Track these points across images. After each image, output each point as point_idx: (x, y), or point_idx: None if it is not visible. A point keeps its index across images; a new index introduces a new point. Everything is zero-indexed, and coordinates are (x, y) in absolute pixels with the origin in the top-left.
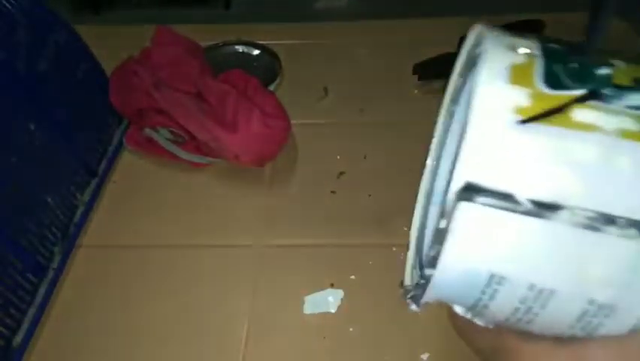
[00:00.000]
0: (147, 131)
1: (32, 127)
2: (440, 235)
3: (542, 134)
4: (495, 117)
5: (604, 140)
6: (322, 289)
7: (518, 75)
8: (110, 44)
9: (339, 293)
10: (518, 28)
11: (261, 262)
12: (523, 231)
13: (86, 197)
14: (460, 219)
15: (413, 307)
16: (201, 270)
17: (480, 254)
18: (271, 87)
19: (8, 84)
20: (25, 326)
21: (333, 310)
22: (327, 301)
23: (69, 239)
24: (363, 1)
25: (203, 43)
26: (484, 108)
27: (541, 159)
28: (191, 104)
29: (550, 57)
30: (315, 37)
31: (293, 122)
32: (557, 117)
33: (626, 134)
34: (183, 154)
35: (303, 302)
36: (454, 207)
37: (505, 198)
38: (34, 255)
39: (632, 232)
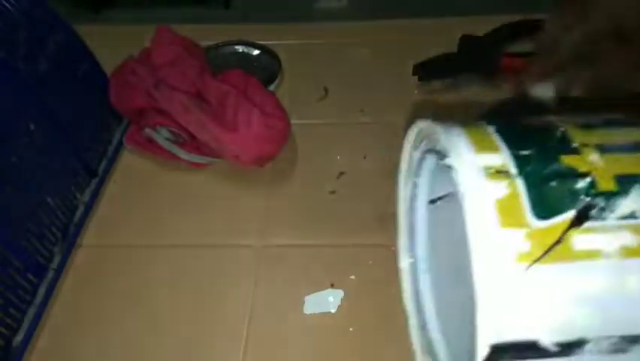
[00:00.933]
0: (147, 131)
1: (32, 127)
2: None
3: (549, 274)
4: (501, 273)
5: (609, 266)
6: (322, 289)
7: (508, 214)
8: (110, 44)
9: (340, 293)
10: (517, 28)
11: (260, 262)
12: None
13: (86, 197)
14: None
15: None
16: (201, 270)
17: None
18: (271, 87)
19: (8, 84)
20: (25, 325)
21: (333, 310)
22: (327, 301)
23: (69, 239)
24: (363, 1)
25: (203, 43)
26: (488, 265)
27: (554, 300)
28: (191, 104)
29: (529, 177)
30: (315, 37)
31: (293, 122)
32: (559, 250)
33: (628, 253)
34: (183, 154)
35: (303, 302)
36: None
37: (531, 348)
38: (34, 255)
39: None
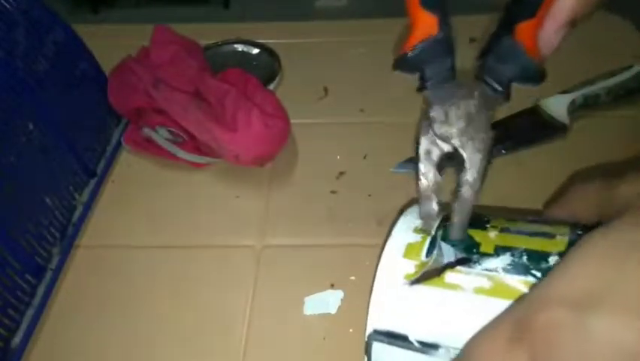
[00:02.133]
0: (146, 130)
1: (30, 127)
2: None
3: (423, 292)
4: (391, 283)
5: (462, 296)
6: (322, 289)
7: (410, 251)
8: (109, 43)
9: (340, 294)
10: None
11: (260, 262)
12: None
13: (85, 197)
14: (373, 353)
15: None
16: (201, 270)
17: None
18: (271, 86)
19: (6, 84)
20: (23, 326)
21: (333, 311)
22: (327, 302)
23: (67, 239)
24: (363, 0)
25: (202, 43)
26: (384, 276)
27: (424, 311)
28: (190, 103)
29: (440, 236)
30: (315, 37)
31: (293, 121)
32: (435, 279)
33: (479, 291)
34: (182, 154)
35: (303, 303)
36: (369, 345)
37: (401, 339)
38: (32, 255)
39: None
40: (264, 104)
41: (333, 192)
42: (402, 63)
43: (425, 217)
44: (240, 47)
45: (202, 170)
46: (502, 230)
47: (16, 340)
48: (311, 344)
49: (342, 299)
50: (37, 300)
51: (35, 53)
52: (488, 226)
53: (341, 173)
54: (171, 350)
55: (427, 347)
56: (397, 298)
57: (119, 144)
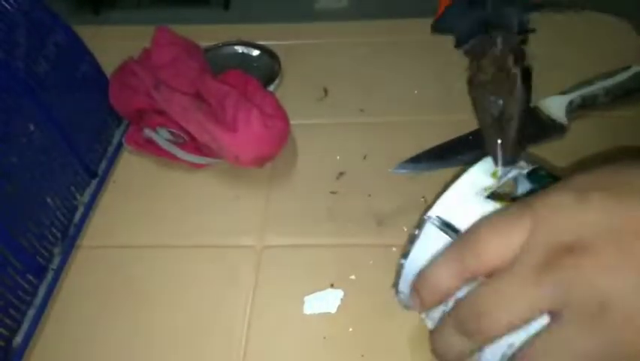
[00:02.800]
0: (147, 131)
1: (32, 127)
2: (412, 238)
3: (493, 208)
4: (471, 186)
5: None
6: (322, 289)
7: (494, 175)
8: (110, 45)
9: (339, 293)
10: None
11: (260, 262)
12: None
13: (86, 197)
14: (425, 230)
15: (400, 299)
16: (201, 270)
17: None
18: (271, 87)
19: (7, 85)
20: (24, 326)
21: (333, 311)
22: (327, 301)
23: (69, 240)
24: (363, 1)
25: (203, 44)
26: (469, 179)
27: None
28: (191, 104)
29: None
30: (315, 38)
31: (292, 122)
32: (506, 202)
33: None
34: (183, 155)
35: (302, 302)
36: (424, 222)
37: (455, 232)
38: (33, 255)
39: None
40: (264, 105)
41: (333, 192)
42: (436, 27)
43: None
44: (240, 49)
45: (202, 170)
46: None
47: (18, 339)
48: (311, 343)
49: (341, 299)
50: (38, 300)
51: (36, 55)
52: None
53: (341, 173)
54: (171, 349)
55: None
56: (469, 201)
57: (120, 145)
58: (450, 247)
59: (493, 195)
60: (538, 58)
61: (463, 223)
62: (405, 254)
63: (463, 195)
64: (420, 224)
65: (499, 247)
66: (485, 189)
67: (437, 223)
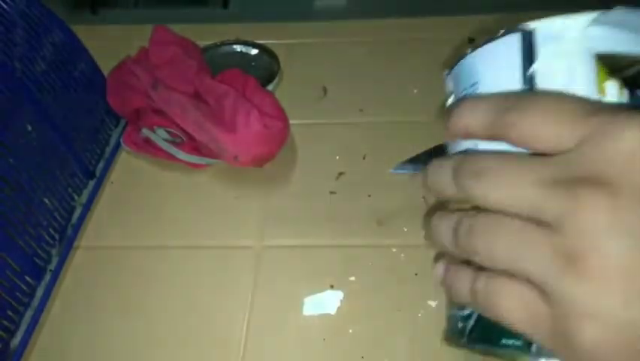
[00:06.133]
0: (145, 131)
1: (29, 128)
2: (490, 39)
3: (585, 64)
4: (585, 36)
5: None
6: (322, 290)
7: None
8: (108, 44)
9: (339, 294)
10: None
11: (260, 262)
12: (511, 80)
13: (84, 198)
14: (506, 38)
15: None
16: (200, 271)
17: (482, 70)
18: (270, 87)
19: (5, 85)
20: (22, 328)
21: (332, 312)
22: (327, 302)
23: (67, 241)
24: (362, 0)
25: (201, 43)
26: (594, 20)
27: (564, 71)
28: (189, 104)
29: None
30: (314, 37)
31: (292, 122)
32: (606, 70)
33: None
34: (181, 155)
35: (302, 303)
36: (514, 30)
37: (529, 59)
38: (31, 257)
39: None
40: (263, 105)
41: (332, 192)
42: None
43: None
44: (238, 48)
45: (201, 171)
46: None
47: (15, 341)
48: (310, 344)
49: (341, 300)
50: (36, 301)
51: (34, 54)
52: None
53: (340, 173)
54: (170, 350)
55: (529, 85)
56: (572, 41)
57: (118, 145)
58: (504, 95)
59: (606, 64)
60: None
61: (546, 70)
62: (471, 51)
63: (575, 35)
64: (508, 31)
65: (543, 132)
66: (598, 51)
67: (524, 45)
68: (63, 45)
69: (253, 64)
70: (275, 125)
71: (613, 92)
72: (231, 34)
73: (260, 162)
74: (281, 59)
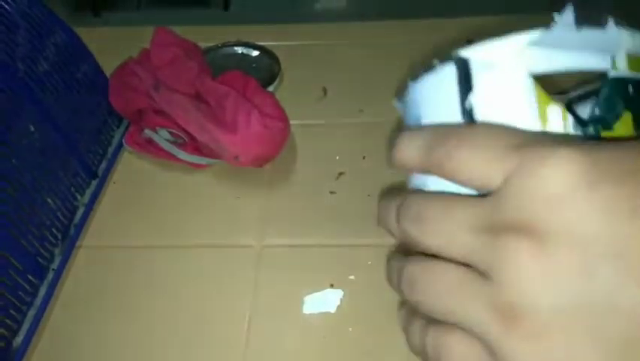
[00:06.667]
0: (147, 132)
1: (32, 128)
2: (429, 69)
3: (524, 88)
4: (521, 58)
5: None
6: (322, 289)
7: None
8: (110, 45)
9: (339, 293)
10: None
11: (260, 262)
12: (451, 112)
13: (86, 198)
14: (442, 69)
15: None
16: (201, 270)
17: (423, 101)
18: (270, 88)
19: (7, 85)
20: (25, 326)
21: (332, 311)
22: (327, 301)
23: (69, 240)
24: (362, 1)
25: (202, 45)
26: (529, 41)
27: (504, 98)
28: (190, 105)
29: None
30: (315, 38)
31: (292, 122)
32: (546, 95)
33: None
34: (183, 155)
35: (302, 302)
36: (449, 59)
37: (466, 88)
38: (34, 256)
39: None
40: (264, 106)
41: (332, 192)
42: None
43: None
44: (239, 49)
45: (202, 171)
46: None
47: (18, 340)
48: (311, 343)
49: (341, 299)
50: (38, 300)
51: (36, 55)
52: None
53: (340, 173)
54: (172, 349)
55: (469, 117)
56: (509, 64)
57: (120, 146)
58: (439, 129)
59: (547, 87)
60: None
61: (484, 100)
62: (413, 81)
63: (511, 59)
64: (444, 61)
65: (472, 169)
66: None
67: (460, 75)
68: (65, 46)
69: (254, 65)
70: (275, 126)
71: (555, 117)
72: (232, 35)
73: (260, 162)
74: (281, 60)
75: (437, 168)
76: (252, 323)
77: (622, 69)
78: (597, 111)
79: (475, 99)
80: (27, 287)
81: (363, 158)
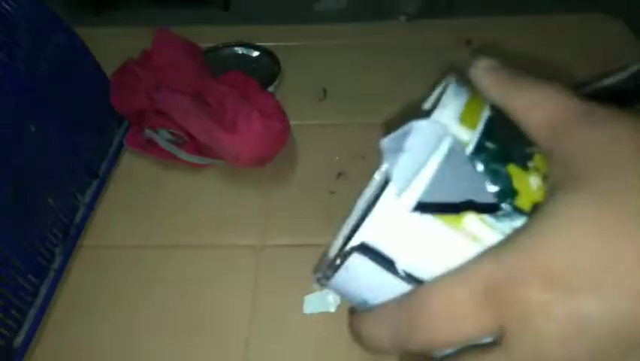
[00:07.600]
0: (147, 132)
1: (33, 129)
2: (333, 266)
3: (434, 228)
4: (398, 205)
5: (477, 251)
6: (322, 288)
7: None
8: (111, 46)
9: None
10: None
11: (260, 262)
12: (393, 285)
13: (87, 198)
14: (349, 263)
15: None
16: (202, 270)
17: (356, 289)
18: (270, 88)
19: (8, 86)
20: (26, 326)
21: (332, 310)
22: (327, 301)
23: (70, 240)
24: (362, 2)
25: (203, 45)
26: (391, 195)
27: (427, 247)
28: (191, 105)
29: (475, 157)
30: (314, 39)
31: (292, 122)
32: (452, 217)
33: None
34: (183, 155)
35: (302, 302)
36: (347, 255)
37: (388, 263)
38: (35, 256)
39: None
40: (264, 106)
41: (332, 192)
42: None
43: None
44: (240, 50)
45: (203, 171)
46: (545, 177)
47: (19, 339)
48: (311, 342)
49: (341, 298)
50: (39, 300)
51: (37, 56)
52: (530, 165)
53: (340, 173)
54: (172, 349)
55: (412, 279)
56: (402, 223)
57: (121, 146)
58: (394, 308)
59: (431, 210)
60: (532, 59)
61: (397, 252)
62: (325, 277)
63: (395, 209)
64: (343, 257)
65: (450, 335)
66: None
67: (366, 253)
68: (67, 47)
69: (254, 66)
70: (275, 126)
71: (474, 224)
72: (232, 36)
73: (260, 162)
74: (281, 60)
75: (408, 346)
76: (252, 322)
77: (467, 138)
78: (494, 188)
79: (401, 263)
80: (28, 287)
81: (363, 158)
